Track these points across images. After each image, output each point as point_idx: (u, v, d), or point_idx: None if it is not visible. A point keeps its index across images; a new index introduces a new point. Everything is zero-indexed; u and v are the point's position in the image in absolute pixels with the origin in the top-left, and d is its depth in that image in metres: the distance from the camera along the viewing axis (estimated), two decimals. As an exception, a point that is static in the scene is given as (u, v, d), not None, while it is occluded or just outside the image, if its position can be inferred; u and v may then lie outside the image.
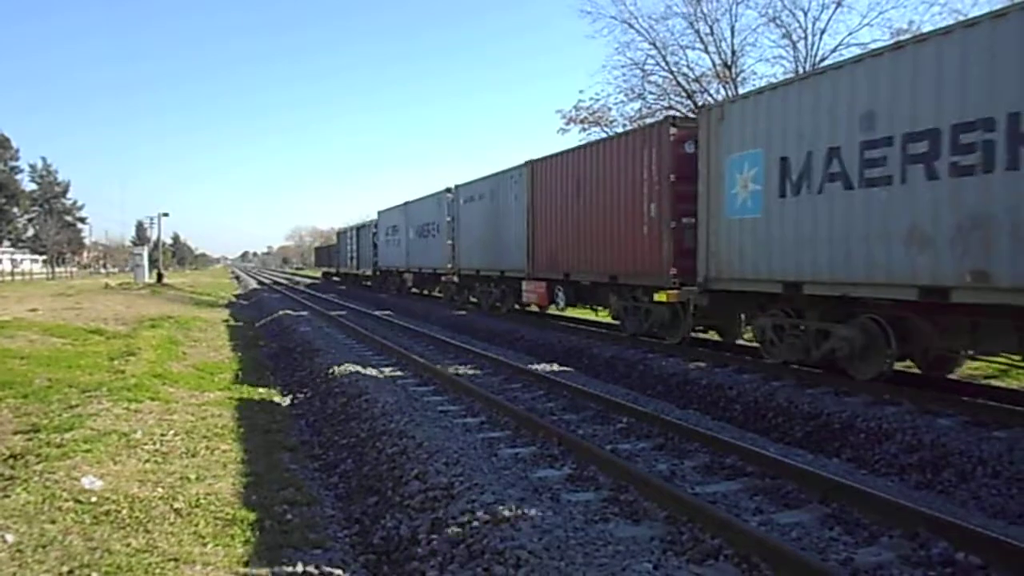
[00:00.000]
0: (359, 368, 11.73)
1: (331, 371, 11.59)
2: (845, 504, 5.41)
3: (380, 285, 38.24)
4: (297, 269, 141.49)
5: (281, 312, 23.93)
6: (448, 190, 25.50)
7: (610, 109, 31.53)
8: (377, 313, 24.01)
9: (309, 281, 64.39)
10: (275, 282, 63.75)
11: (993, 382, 10.01)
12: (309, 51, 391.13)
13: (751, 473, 6.30)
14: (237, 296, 42.03)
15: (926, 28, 24.16)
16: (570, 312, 19.89)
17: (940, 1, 24.54)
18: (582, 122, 31.98)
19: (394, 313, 24.51)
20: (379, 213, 37.26)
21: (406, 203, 31.67)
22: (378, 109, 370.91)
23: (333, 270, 56.21)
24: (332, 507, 6.23)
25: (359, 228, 43.86)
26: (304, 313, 23.90)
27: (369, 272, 40.24)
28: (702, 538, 4.78)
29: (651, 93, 30.79)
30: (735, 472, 6.38)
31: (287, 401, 10.73)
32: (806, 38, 27.53)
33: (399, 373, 11.91)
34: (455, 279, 25.29)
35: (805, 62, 27.40)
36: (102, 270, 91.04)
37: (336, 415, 9.29)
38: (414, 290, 33.00)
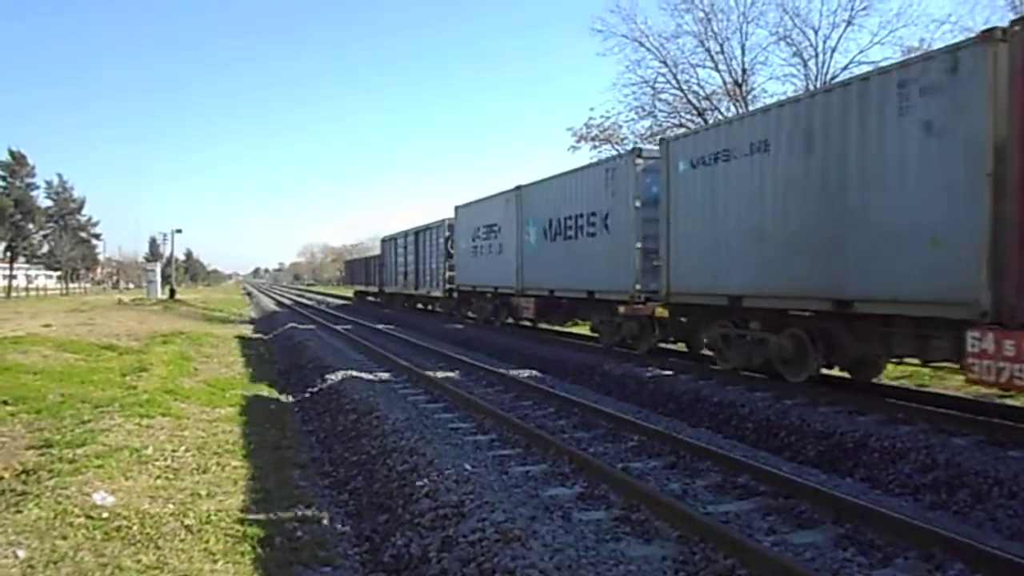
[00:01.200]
0: None
1: None
2: (859, 524, 5.36)
3: (454, 311, 27.17)
4: (309, 285, 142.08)
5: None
6: (638, 152, 14.93)
7: (621, 127, 31.73)
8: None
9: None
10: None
11: (1008, 401, 9.91)
12: (317, 71, 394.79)
13: (764, 492, 6.25)
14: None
15: (936, 46, 24.28)
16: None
17: (951, 20, 24.67)
18: (593, 139, 32.21)
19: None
20: (457, 209, 25.87)
21: (518, 187, 20.46)
22: (384, 128, 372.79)
23: (372, 289, 43.83)
24: (342, 524, 6.21)
25: (419, 232, 31.56)
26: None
27: (438, 293, 28.63)
28: (715, 558, 4.74)
29: (661, 111, 31.01)
30: (748, 491, 6.33)
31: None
32: (816, 56, 27.70)
33: None
34: (662, 312, 13.59)
35: (816, 80, 27.52)
36: (115, 286, 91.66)
37: None
38: (519, 321, 22.12)
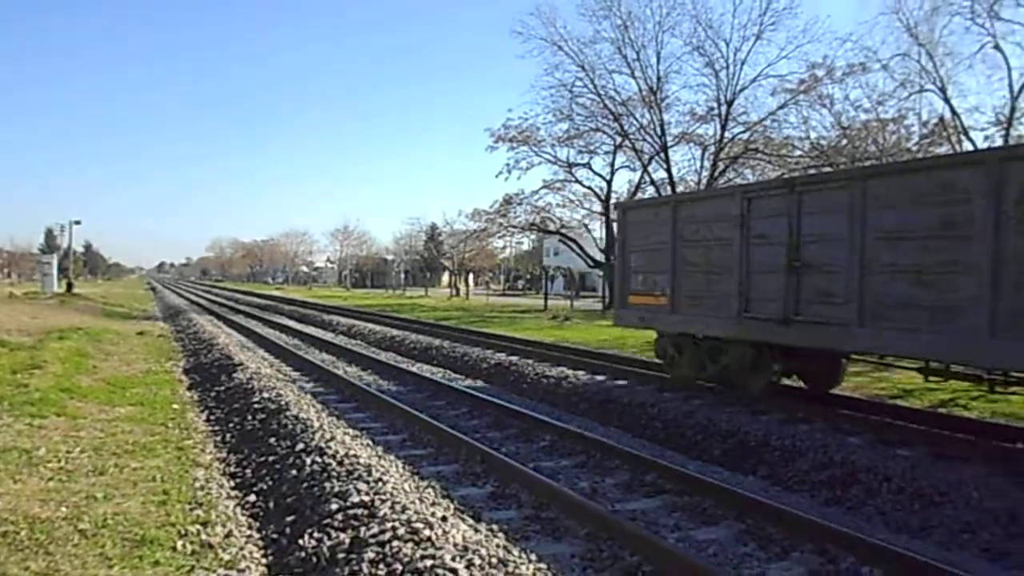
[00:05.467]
0: None
1: None
2: (760, 520, 5.56)
3: None
4: (216, 281, 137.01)
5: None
6: None
7: (538, 129, 32.07)
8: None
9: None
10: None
11: (899, 402, 10.46)
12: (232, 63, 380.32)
13: (670, 490, 6.41)
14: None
15: (839, 63, 25.43)
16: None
17: (852, 38, 25.93)
18: (510, 140, 32.42)
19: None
20: None
21: None
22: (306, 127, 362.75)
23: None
24: (248, 526, 6.04)
25: None
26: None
27: None
28: (621, 555, 4.84)
29: (579, 115, 31.49)
30: (655, 489, 6.48)
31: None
32: (728, 68, 28.66)
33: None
34: None
35: (727, 90, 28.43)
36: (6, 279, 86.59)
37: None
38: None
